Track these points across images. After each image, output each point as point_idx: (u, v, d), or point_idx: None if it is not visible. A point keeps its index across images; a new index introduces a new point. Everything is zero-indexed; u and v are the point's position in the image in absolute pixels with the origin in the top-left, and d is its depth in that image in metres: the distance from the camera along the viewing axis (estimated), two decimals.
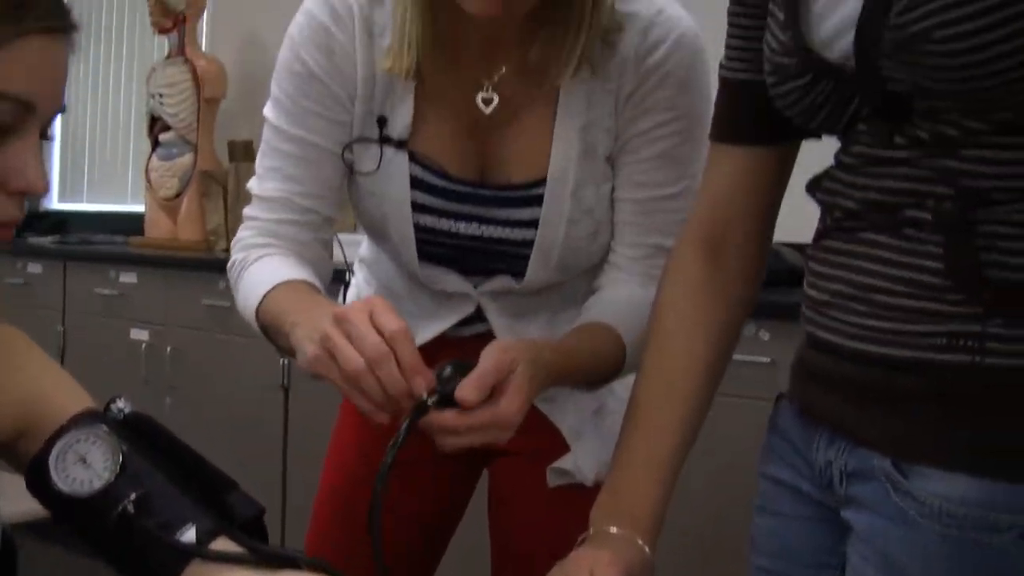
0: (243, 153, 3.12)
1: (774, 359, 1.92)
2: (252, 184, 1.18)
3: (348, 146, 1.17)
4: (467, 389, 0.89)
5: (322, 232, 1.18)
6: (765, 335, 1.97)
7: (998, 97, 0.72)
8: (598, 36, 1.09)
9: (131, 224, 3.56)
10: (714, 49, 1.05)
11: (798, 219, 1.03)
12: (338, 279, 1.28)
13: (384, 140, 1.15)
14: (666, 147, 1.12)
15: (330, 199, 1.17)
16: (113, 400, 0.79)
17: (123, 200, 3.81)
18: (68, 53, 0.71)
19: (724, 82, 0.97)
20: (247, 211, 1.19)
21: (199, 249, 3.23)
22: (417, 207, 1.15)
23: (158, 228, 3.35)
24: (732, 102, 0.97)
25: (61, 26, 0.70)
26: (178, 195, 3.29)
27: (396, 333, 0.89)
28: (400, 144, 1.15)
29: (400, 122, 1.14)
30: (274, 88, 1.16)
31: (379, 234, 1.20)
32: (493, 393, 0.91)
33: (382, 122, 1.15)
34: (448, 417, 0.90)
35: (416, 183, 1.15)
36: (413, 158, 1.15)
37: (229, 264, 1.18)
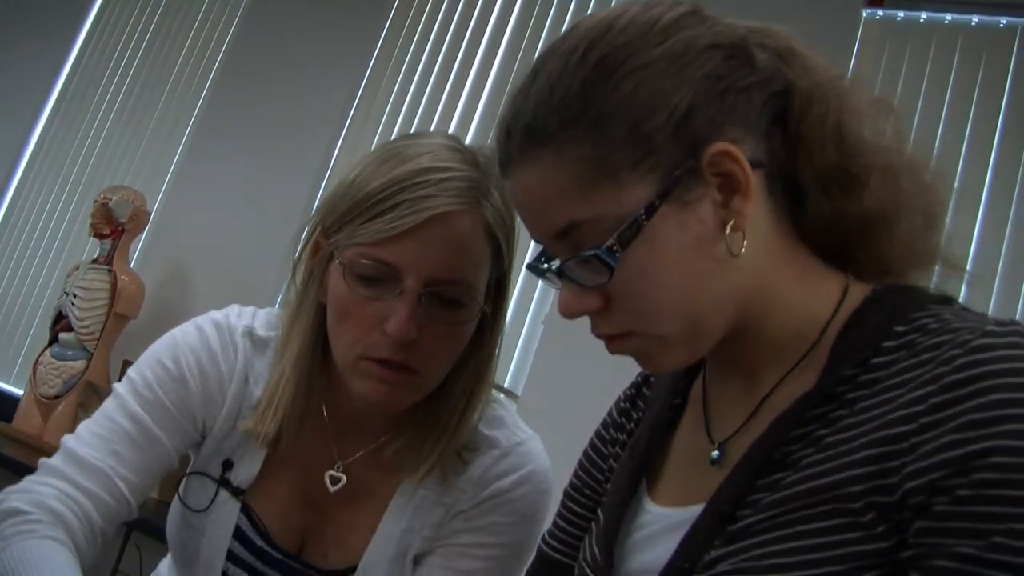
0: None
1: None
2: (69, 440, 1.10)
3: (184, 476, 1.16)
4: None
5: (109, 524, 1.09)
6: None
7: None
8: (454, 450, 1.13)
9: (3, 406, 3.53)
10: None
11: None
12: None
13: (223, 482, 1.15)
14: (480, 566, 1.14)
15: (140, 493, 1.11)
16: None
17: (4, 378, 3.78)
18: None
19: (541, 553, 1.00)
20: (51, 463, 1.09)
21: None
22: (231, 556, 1.15)
23: (28, 421, 3.31)
24: None
25: None
26: (57, 397, 3.28)
27: None
28: (237, 492, 1.14)
29: (244, 472, 1.15)
30: (134, 371, 1.14)
31: (186, 565, 1.19)
32: None
33: (227, 465, 1.15)
34: None
35: (238, 534, 1.15)
36: (244, 509, 1.15)
37: (4, 507, 1.03)
